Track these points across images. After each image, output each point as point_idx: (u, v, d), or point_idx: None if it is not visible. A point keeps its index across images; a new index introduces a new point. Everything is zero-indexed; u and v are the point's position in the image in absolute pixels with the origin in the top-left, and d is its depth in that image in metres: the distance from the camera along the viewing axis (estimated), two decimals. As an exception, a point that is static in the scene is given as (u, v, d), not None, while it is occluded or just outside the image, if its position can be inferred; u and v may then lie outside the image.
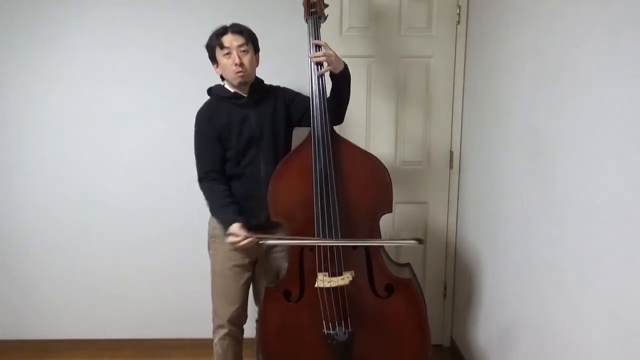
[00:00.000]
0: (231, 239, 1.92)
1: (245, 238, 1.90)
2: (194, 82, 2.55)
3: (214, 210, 2.06)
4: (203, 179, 2.06)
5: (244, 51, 1.97)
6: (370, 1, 2.52)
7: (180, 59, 2.58)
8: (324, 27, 2.05)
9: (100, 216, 2.72)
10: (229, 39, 1.97)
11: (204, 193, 2.07)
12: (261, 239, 1.93)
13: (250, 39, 2.01)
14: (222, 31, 1.99)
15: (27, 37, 2.56)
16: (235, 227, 1.92)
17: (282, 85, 2.18)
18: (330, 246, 1.93)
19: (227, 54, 1.97)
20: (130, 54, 2.58)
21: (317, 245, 1.94)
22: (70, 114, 2.63)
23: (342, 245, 1.94)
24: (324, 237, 1.92)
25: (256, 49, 2.05)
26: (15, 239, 2.74)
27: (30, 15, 2.54)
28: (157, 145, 2.67)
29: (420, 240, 1.88)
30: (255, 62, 2.05)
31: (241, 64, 1.96)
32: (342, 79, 1.98)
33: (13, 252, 2.76)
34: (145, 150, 2.67)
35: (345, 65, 1.99)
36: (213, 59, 2.04)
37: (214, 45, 2.00)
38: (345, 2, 2.52)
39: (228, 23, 2.02)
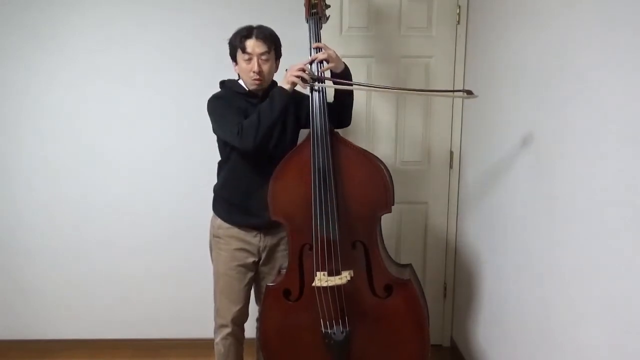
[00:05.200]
0: (294, 71, 1.84)
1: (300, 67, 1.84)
2: (195, 82, 2.56)
3: (268, 110, 1.87)
4: (239, 130, 1.87)
5: (265, 59, 1.93)
6: (370, 1, 2.52)
7: (181, 59, 2.58)
8: (324, 27, 2.05)
9: (100, 216, 2.72)
10: (251, 45, 1.91)
11: (249, 125, 1.86)
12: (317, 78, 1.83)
13: (274, 45, 1.96)
14: (246, 34, 1.92)
15: (27, 37, 2.56)
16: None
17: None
18: (328, 245, 1.92)
19: (248, 59, 1.93)
20: (130, 54, 2.58)
21: (316, 244, 1.93)
22: (70, 114, 2.63)
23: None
24: (322, 236, 1.91)
25: (278, 57, 2.01)
26: (15, 239, 2.75)
27: (29, 15, 2.54)
28: (158, 146, 2.67)
29: (469, 92, 1.71)
30: (275, 68, 2.02)
31: (259, 72, 1.94)
32: (343, 79, 1.99)
33: (13, 253, 2.76)
34: (145, 150, 2.67)
35: (346, 66, 1.99)
36: (233, 57, 2.01)
37: (236, 45, 1.95)
38: (345, 2, 2.52)
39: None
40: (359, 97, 2.57)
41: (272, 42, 1.95)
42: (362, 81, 2.55)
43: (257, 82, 1.97)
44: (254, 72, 1.93)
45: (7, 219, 2.73)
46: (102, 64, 2.59)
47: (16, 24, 2.55)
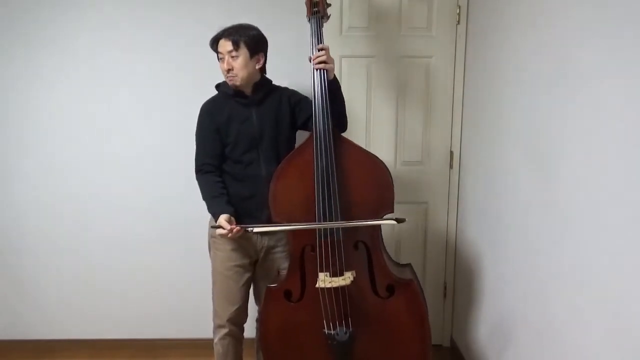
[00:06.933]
0: (220, 231, 1.95)
1: (232, 230, 1.92)
2: (193, 82, 2.56)
3: (205, 200, 2.08)
4: (199, 171, 2.11)
5: (234, 56, 1.97)
6: (370, 1, 2.52)
7: (179, 60, 2.58)
8: (324, 27, 2.06)
9: (100, 216, 2.72)
10: (221, 45, 1.99)
11: (199, 183, 2.11)
12: (246, 227, 1.93)
13: (246, 44, 1.98)
14: (217, 36, 2.01)
15: (27, 39, 2.56)
16: (222, 220, 1.95)
17: (282, 85, 2.18)
18: (332, 246, 1.93)
19: (221, 58, 2.01)
20: (129, 55, 2.58)
21: (320, 245, 1.93)
22: (70, 114, 2.63)
23: (328, 227, 1.91)
24: (325, 237, 1.92)
25: (254, 52, 2.01)
26: (15, 239, 2.74)
27: (29, 18, 2.54)
28: (157, 145, 2.67)
29: (399, 220, 1.91)
30: (253, 64, 2.02)
31: (228, 70, 1.99)
32: (333, 85, 1.99)
33: (13, 252, 2.76)
34: (145, 150, 2.67)
35: (335, 77, 2.01)
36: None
37: (213, 49, 2.04)
38: (345, 2, 2.52)
39: (234, 23, 2.02)
40: (359, 97, 2.57)
41: (240, 39, 1.97)
42: (362, 81, 2.56)
43: (230, 79, 2.02)
44: (224, 70, 2.00)
45: (7, 219, 2.73)
46: (101, 65, 2.58)
47: (16, 26, 2.54)
